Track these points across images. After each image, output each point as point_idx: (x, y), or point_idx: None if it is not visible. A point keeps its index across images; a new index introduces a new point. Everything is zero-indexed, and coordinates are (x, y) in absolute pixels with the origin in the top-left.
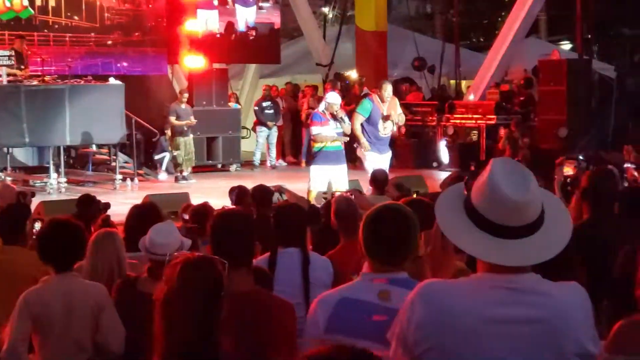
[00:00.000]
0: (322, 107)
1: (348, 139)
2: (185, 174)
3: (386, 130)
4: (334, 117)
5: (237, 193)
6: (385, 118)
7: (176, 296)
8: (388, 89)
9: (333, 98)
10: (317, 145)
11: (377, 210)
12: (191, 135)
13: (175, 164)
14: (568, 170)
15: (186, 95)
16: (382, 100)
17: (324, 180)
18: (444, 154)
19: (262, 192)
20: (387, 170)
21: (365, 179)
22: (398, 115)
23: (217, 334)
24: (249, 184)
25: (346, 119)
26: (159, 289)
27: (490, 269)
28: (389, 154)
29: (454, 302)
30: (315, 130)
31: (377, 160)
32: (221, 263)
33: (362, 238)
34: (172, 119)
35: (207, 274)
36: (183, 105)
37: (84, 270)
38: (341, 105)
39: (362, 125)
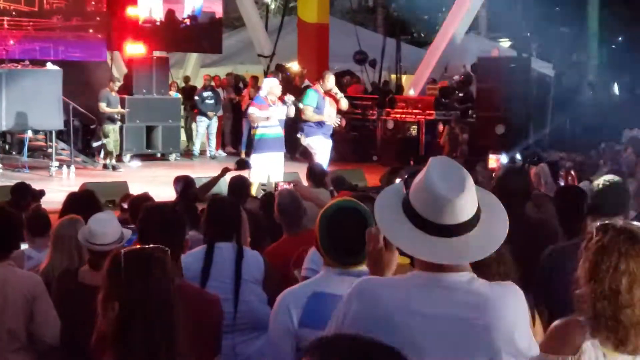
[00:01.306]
0: (264, 92)
1: (282, 129)
2: (112, 162)
3: (330, 118)
4: (283, 100)
5: (183, 183)
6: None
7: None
8: (330, 79)
9: (273, 81)
10: (258, 133)
11: (334, 210)
12: (118, 124)
13: (105, 152)
14: (492, 163)
15: (118, 83)
16: (326, 92)
17: (264, 171)
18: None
19: (239, 184)
20: (329, 158)
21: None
22: (340, 98)
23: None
24: (189, 174)
25: (280, 105)
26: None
27: (425, 266)
28: (330, 142)
29: (389, 298)
30: (250, 109)
31: (323, 144)
32: (163, 251)
33: (319, 237)
34: (103, 105)
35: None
36: (114, 93)
37: (47, 258)
38: (281, 97)
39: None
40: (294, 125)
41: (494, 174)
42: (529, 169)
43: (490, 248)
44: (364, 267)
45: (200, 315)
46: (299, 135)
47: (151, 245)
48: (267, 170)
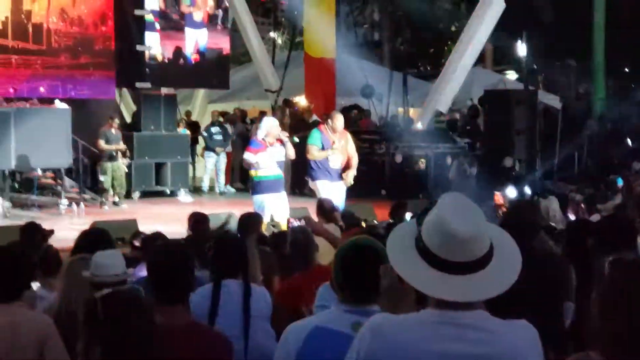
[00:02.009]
0: (261, 134)
1: (282, 171)
2: (116, 199)
3: (335, 162)
4: (281, 140)
5: (194, 220)
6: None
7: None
8: (340, 119)
9: (268, 121)
10: (256, 175)
11: (350, 247)
12: (121, 160)
13: (101, 189)
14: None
15: (117, 120)
16: (334, 131)
17: (267, 209)
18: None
19: (249, 220)
20: (344, 200)
21: (314, 208)
22: (351, 151)
23: None
24: (198, 210)
25: (278, 146)
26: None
27: (438, 304)
28: (342, 183)
29: (402, 335)
30: (245, 155)
31: (330, 188)
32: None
33: (334, 273)
34: (102, 142)
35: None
36: (113, 130)
37: (57, 298)
38: (290, 132)
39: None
40: (305, 161)
41: (499, 210)
42: (538, 202)
43: (502, 286)
44: (375, 307)
45: (210, 354)
46: (307, 178)
47: (126, 287)
48: (269, 210)
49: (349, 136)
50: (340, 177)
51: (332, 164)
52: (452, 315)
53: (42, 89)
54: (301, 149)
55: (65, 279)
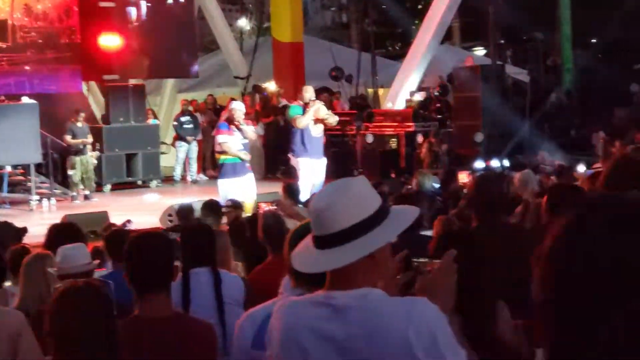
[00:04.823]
0: (227, 116)
1: (249, 157)
2: (87, 193)
3: (318, 130)
4: (238, 127)
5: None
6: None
7: (58, 325)
8: (309, 90)
9: (236, 104)
10: (222, 157)
11: (303, 229)
12: (89, 154)
13: (71, 183)
14: (463, 178)
15: (83, 114)
16: (306, 105)
17: (234, 194)
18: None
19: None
20: (324, 177)
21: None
22: (328, 115)
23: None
24: (170, 200)
25: (248, 128)
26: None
27: (325, 285)
28: (324, 160)
29: (292, 317)
30: (221, 138)
31: (312, 165)
32: (103, 284)
33: (286, 254)
34: (68, 137)
35: (87, 300)
36: (79, 124)
37: (17, 295)
38: (259, 117)
39: (293, 131)
40: (277, 146)
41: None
42: (510, 175)
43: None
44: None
45: (197, 343)
46: (289, 155)
47: (84, 279)
48: (237, 191)
49: (320, 104)
50: (322, 152)
51: (314, 132)
52: (326, 294)
53: (9, 86)
54: (271, 135)
55: (22, 278)
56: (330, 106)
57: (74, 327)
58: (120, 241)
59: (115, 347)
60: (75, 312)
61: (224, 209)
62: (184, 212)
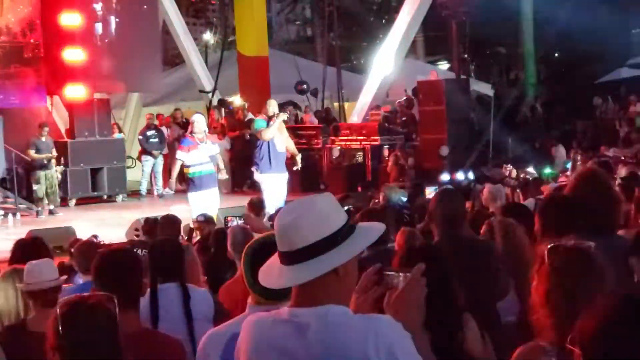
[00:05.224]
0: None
1: (217, 166)
2: (51, 207)
3: (280, 145)
4: (201, 140)
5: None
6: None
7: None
8: (272, 103)
9: (196, 116)
10: (190, 171)
11: (258, 244)
12: (54, 169)
13: (35, 198)
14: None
15: (47, 128)
16: (270, 118)
17: (203, 207)
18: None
19: (170, 222)
20: (285, 192)
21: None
22: (286, 139)
23: None
24: (137, 214)
25: (209, 143)
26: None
27: (291, 302)
28: (286, 175)
29: (258, 332)
30: (178, 154)
31: (274, 181)
32: (109, 298)
33: (243, 272)
34: (32, 152)
35: (97, 315)
36: (43, 138)
37: None
38: (225, 131)
39: (257, 145)
40: (244, 160)
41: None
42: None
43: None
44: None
45: (169, 359)
46: (253, 169)
47: (89, 294)
48: (205, 207)
49: (283, 126)
50: (285, 167)
51: (279, 147)
52: (290, 311)
53: None
54: (238, 148)
55: None
56: (300, 120)
57: (84, 342)
58: (88, 253)
59: None
60: (86, 327)
61: (195, 224)
62: (150, 226)
